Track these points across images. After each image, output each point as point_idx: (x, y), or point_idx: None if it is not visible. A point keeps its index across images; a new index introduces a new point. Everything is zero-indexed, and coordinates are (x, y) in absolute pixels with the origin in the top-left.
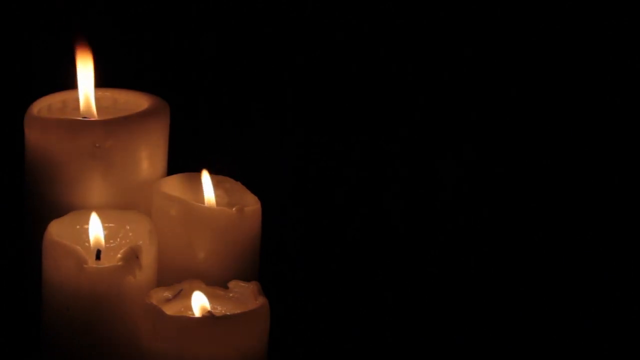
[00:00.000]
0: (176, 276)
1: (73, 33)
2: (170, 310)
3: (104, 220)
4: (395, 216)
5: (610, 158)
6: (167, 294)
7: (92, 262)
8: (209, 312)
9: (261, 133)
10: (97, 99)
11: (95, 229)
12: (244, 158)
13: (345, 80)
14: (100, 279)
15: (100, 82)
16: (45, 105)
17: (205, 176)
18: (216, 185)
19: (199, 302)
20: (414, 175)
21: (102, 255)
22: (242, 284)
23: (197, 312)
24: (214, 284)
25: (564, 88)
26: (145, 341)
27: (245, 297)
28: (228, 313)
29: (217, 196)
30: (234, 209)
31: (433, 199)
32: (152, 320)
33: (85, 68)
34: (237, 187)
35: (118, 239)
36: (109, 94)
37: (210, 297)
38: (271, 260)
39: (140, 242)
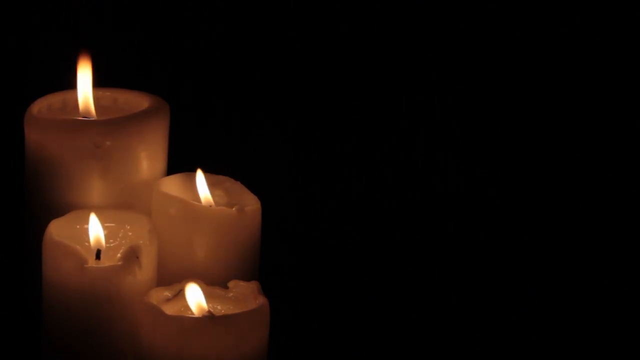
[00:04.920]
0: (176, 276)
1: (75, 36)
2: (170, 310)
3: (104, 220)
4: (395, 216)
5: (611, 157)
6: (167, 293)
7: (92, 262)
8: (209, 312)
9: (261, 133)
10: (97, 99)
11: (95, 229)
12: (244, 158)
13: (346, 80)
14: (100, 279)
15: (100, 82)
16: (45, 105)
17: (200, 175)
18: (216, 185)
19: (195, 299)
20: (414, 175)
21: (102, 255)
22: (242, 283)
23: (193, 308)
24: (214, 283)
25: (563, 87)
26: (145, 341)
27: (245, 297)
28: (228, 313)
29: (216, 196)
30: (233, 208)
31: (433, 199)
32: (152, 320)
33: (83, 69)
34: (237, 187)
35: (118, 239)
36: (109, 93)
37: (210, 297)
38: (271, 260)
39: (140, 242)
